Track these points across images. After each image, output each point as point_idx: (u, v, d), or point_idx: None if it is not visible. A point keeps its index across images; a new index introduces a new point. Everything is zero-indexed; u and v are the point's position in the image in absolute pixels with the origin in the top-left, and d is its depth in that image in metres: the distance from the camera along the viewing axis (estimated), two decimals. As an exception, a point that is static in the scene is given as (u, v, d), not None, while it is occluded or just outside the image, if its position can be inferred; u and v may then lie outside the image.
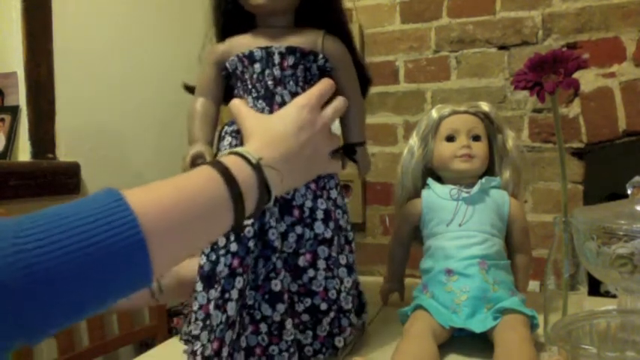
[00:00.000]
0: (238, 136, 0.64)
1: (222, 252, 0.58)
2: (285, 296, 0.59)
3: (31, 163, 1.13)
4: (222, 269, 0.57)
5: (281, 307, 0.59)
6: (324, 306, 0.61)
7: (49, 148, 1.18)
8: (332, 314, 0.61)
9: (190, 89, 0.73)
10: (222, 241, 0.58)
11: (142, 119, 1.39)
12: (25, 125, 1.16)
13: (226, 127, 0.66)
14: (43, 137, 1.18)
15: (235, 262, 0.57)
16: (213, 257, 0.58)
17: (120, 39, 1.33)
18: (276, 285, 0.59)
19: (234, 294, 0.57)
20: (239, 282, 0.57)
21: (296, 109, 0.52)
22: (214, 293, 0.57)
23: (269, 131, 0.51)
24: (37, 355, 1.04)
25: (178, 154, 0.73)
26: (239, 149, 0.47)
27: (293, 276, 0.61)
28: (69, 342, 1.01)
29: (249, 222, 0.58)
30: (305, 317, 0.61)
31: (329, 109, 0.55)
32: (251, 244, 0.58)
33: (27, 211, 0.95)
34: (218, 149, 0.65)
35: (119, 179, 1.30)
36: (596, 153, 1.37)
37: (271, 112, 0.63)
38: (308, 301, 0.61)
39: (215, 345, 0.56)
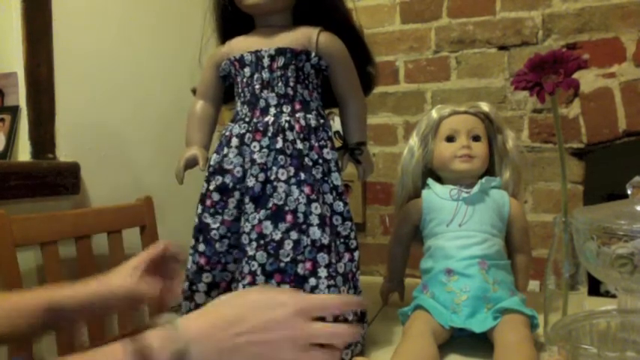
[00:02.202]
0: (243, 144, 0.64)
1: (191, 251, 0.62)
2: None
3: (31, 163, 1.13)
4: (190, 266, 0.62)
5: None
6: (328, 317, 0.58)
7: (49, 148, 1.18)
8: None
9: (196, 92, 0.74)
10: (191, 242, 0.63)
11: (142, 119, 1.39)
12: (25, 125, 1.16)
13: (226, 132, 0.66)
14: (43, 137, 1.18)
15: (202, 261, 0.62)
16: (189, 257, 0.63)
17: (120, 39, 1.33)
18: (236, 288, 0.61)
19: (202, 287, 0.62)
20: (207, 277, 0.62)
21: (280, 307, 0.42)
22: (185, 286, 0.62)
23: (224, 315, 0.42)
24: (36, 355, 1.04)
25: (178, 154, 0.73)
26: (171, 328, 0.40)
27: (294, 286, 0.58)
28: (69, 342, 1.01)
29: (215, 225, 0.61)
30: None
31: (323, 328, 0.43)
32: (218, 245, 0.61)
33: (26, 212, 0.94)
34: (216, 152, 0.65)
35: (119, 179, 1.30)
36: (596, 153, 1.37)
37: (252, 118, 0.63)
38: None
39: None
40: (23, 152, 1.15)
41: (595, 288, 0.87)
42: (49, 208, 1.10)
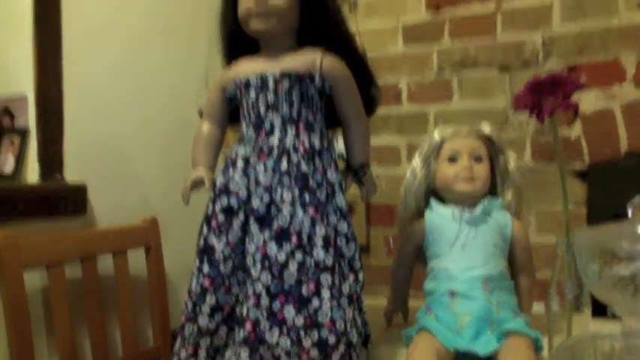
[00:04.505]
0: (248, 165, 0.65)
1: (195, 272, 0.63)
2: (249, 325, 0.58)
3: (39, 185, 1.14)
4: (194, 287, 0.63)
5: (240, 334, 0.59)
6: (332, 339, 0.58)
7: (58, 169, 1.20)
8: (342, 348, 0.58)
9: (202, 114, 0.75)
10: (197, 262, 0.63)
11: (149, 140, 1.40)
12: (34, 147, 1.18)
13: (231, 153, 0.67)
14: (52, 158, 1.20)
15: (206, 282, 0.62)
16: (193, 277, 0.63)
17: (128, 61, 1.36)
18: (240, 311, 0.61)
19: (205, 309, 0.62)
20: (211, 299, 0.62)
21: None
22: (189, 307, 0.63)
23: None
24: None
25: (184, 175, 0.74)
26: None
27: (298, 308, 0.59)
28: (72, 363, 1.00)
29: (220, 246, 0.62)
30: (314, 353, 0.58)
31: None
32: (223, 266, 0.62)
33: (34, 232, 0.94)
34: (221, 173, 0.66)
35: (125, 199, 1.31)
36: (599, 174, 1.37)
37: (257, 139, 0.65)
38: (315, 335, 0.58)
39: (190, 349, 0.62)
40: (32, 173, 1.16)
41: (602, 309, 0.87)
42: (56, 228, 1.11)
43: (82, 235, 1.11)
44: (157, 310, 1.24)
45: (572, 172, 1.35)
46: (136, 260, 1.20)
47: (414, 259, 0.80)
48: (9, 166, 1.17)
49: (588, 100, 1.32)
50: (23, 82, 1.19)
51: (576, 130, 1.35)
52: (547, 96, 0.56)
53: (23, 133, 1.20)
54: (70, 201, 1.17)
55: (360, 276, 0.64)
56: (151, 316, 1.24)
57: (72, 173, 1.21)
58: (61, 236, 1.05)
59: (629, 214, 0.59)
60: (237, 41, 0.71)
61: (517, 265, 0.76)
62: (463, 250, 0.71)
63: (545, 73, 0.58)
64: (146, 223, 1.24)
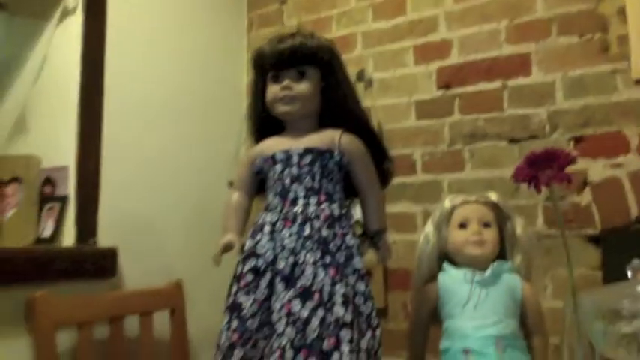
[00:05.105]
0: (274, 229, 0.71)
1: (225, 327, 0.67)
2: None
3: (74, 248, 1.22)
4: (223, 341, 0.67)
5: None
6: None
7: (92, 234, 1.28)
8: None
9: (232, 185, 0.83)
10: (226, 318, 0.67)
11: (178, 209, 1.49)
12: (72, 213, 1.27)
13: (259, 220, 0.74)
14: (87, 224, 1.28)
15: (235, 337, 0.66)
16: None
17: (163, 138, 1.47)
18: None
19: None
20: (238, 352, 0.66)
21: None
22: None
23: None
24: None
25: (207, 243, 0.81)
26: None
27: None
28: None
29: (248, 303, 0.66)
30: None
31: None
32: (250, 322, 0.66)
33: (67, 292, 1.01)
34: (250, 237, 0.73)
35: (153, 263, 1.37)
36: (612, 238, 1.39)
37: (282, 208, 0.72)
38: None
39: None
40: (69, 237, 1.25)
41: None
42: (87, 289, 1.17)
43: (110, 296, 1.17)
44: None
45: (585, 237, 1.37)
46: (161, 322, 1.24)
47: (429, 321, 0.83)
48: (48, 231, 1.26)
49: (596, 169, 1.37)
50: (65, 155, 1.31)
51: (587, 197, 1.39)
52: (543, 169, 0.62)
53: (63, 201, 1.29)
54: (102, 264, 1.23)
55: (378, 332, 0.68)
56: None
57: (105, 238, 1.28)
58: (91, 297, 1.11)
59: (629, 276, 0.63)
60: (265, 124, 0.81)
61: (529, 326, 0.79)
62: (475, 309, 0.74)
63: (551, 144, 0.64)
64: (171, 286, 1.29)
